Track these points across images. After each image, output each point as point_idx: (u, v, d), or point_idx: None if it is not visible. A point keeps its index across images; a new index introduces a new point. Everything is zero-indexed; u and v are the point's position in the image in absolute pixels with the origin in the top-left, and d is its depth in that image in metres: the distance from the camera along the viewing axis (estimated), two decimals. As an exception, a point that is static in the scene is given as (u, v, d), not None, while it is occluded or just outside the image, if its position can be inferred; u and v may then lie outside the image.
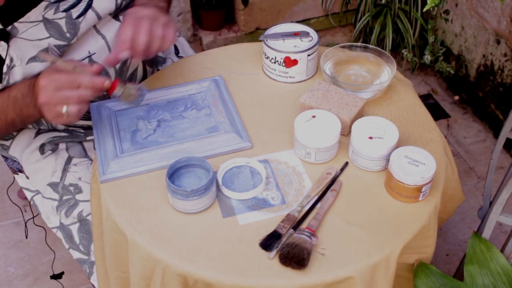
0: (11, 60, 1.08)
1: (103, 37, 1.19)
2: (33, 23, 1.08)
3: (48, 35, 1.10)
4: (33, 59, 1.10)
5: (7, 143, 1.33)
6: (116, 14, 1.20)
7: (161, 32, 1.06)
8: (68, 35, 1.11)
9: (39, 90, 0.99)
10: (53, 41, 1.10)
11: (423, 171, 0.96)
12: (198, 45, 2.47)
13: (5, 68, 1.08)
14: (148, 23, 1.05)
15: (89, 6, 1.12)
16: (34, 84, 1.03)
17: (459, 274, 1.30)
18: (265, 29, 1.27)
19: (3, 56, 1.07)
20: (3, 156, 1.37)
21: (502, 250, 1.12)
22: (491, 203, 1.23)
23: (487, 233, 1.15)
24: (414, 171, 0.96)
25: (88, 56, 1.18)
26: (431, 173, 0.96)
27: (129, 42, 1.04)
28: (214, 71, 1.27)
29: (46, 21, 1.09)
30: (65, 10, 1.10)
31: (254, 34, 2.43)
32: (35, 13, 1.08)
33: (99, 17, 1.15)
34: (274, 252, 0.91)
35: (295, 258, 0.89)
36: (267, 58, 1.23)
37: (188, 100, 1.19)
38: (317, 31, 1.25)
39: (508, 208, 1.17)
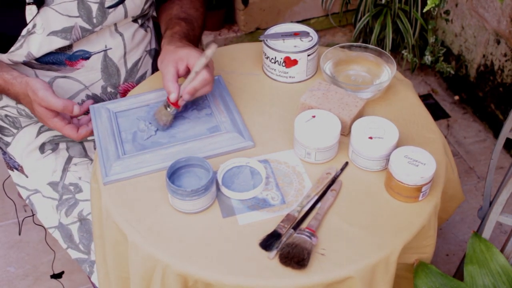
0: (34, 26, 1.09)
1: (121, 35, 1.22)
2: None
3: (78, 14, 1.12)
4: (55, 33, 1.11)
5: (8, 139, 1.33)
6: (136, 18, 1.24)
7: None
8: (95, 21, 1.14)
9: (34, 112, 1.12)
10: (80, 22, 1.13)
11: (423, 171, 0.96)
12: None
13: (24, 31, 1.09)
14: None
15: (122, 0, 1.16)
16: (23, 83, 1.11)
17: (459, 274, 1.30)
18: (265, 29, 1.27)
19: (28, 20, 1.08)
20: (1, 150, 1.37)
21: (502, 250, 1.12)
22: (491, 203, 1.23)
23: (487, 233, 1.15)
24: (414, 171, 0.96)
25: (104, 50, 1.20)
26: (431, 173, 0.96)
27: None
28: (214, 71, 1.27)
29: (80, 1, 1.11)
30: None
31: (254, 34, 2.43)
32: None
33: (126, 15, 1.19)
34: (274, 252, 0.91)
35: (295, 258, 0.89)
36: (267, 58, 1.23)
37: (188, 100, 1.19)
38: (317, 31, 1.25)
39: (508, 208, 1.16)
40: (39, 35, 1.10)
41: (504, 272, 1.05)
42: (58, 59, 1.17)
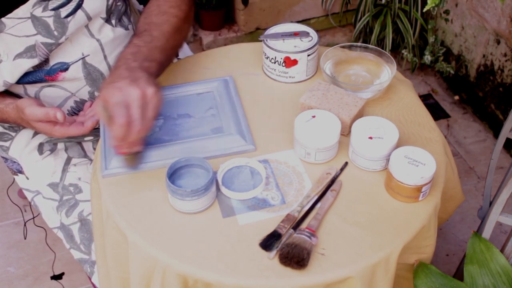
0: None
1: (97, 40, 1.19)
2: (21, 20, 1.08)
3: (35, 32, 1.10)
4: (20, 55, 1.10)
5: (6, 144, 1.33)
6: (108, 18, 1.19)
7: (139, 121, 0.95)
8: (55, 33, 1.11)
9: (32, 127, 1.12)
10: (40, 39, 1.10)
11: (423, 171, 0.96)
12: (198, 45, 2.47)
13: None
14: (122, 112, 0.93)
15: (78, 6, 1.12)
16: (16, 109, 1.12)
17: (459, 274, 1.30)
18: (265, 29, 1.27)
19: None
20: (3, 157, 1.37)
21: (502, 250, 1.12)
22: (491, 203, 1.23)
23: (487, 233, 1.15)
24: (414, 171, 0.96)
25: (82, 58, 1.17)
26: (431, 173, 0.96)
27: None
28: (214, 71, 1.27)
29: (34, 18, 1.09)
30: (54, 9, 1.10)
31: (254, 34, 2.43)
32: (23, 10, 1.08)
33: (89, 18, 1.14)
34: (274, 252, 0.91)
35: (295, 258, 0.89)
36: (267, 58, 1.23)
37: (196, 99, 1.19)
38: (317, 31, 1.25)
39: (508, 208, 1.16)
40: (6, 62, 1.10)
41: (504, 272, 1.05)
42: (37, 77, 1.16)
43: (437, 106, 2.24)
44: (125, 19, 1.25)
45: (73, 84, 1.20)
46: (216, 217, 0.98)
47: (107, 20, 1.19)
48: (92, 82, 1.21)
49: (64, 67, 1.16)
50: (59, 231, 1.27)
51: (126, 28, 1.24)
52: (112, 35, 1.20)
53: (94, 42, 1.18)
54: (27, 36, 1.09)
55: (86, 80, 1.20)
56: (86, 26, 1.16)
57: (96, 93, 1.23)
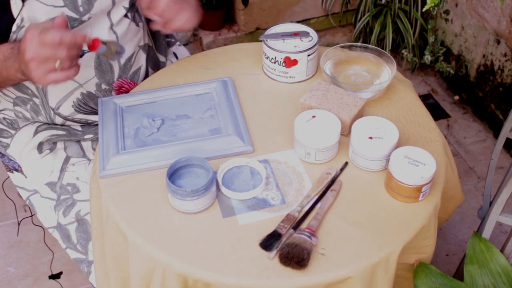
0: (22, 20, 1.09)
1: (114, 32, 1.21)
2: None
3: (63, 4, 1.11)
4: None
5: (7, 140, 1.33)
6: (129, 8, 1.21)
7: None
8: (81, 9, 1.13)
9: (25, 47, 0.96)
10: (66, 11, 1.12)
11: (423, 171, 0.96)
12: (198, 45, 2.46)
13: (14, 27, 1.09)
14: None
15: None
16: (18, 47, 1.01)
17: (459, 274, 1.30)
18: (265, 29, 1.27)
19: (15, 15, 1.08)
20: (0, 153, 1.37)
21: (502, 250, 1.12)
22: (491, 203, 1.23)
23: (487, 233, 1.15)
24: (414, 171, 0.96)
25: None
26: (431, 173, 0.96)
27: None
28: (214, 71, 1.27)
29: None
30: None
31: (254, 34, 2.43)
32: None
33: (114, 2, 1.17)
34: (274, 252, 0.91)
35: (295, 258, 0.89)
36: (267, 58, 1.23)
37: (195, 100, 1.19)
38: (317, 31, 1.25)
39: (508, 208, 1.17)
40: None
41: (504, 272, 1.05)
42: None
43: (437, 106, 2.24)
44: (137, 16, 1.28)
45: (83, 73, 1.20)
46: (216, 217, 0.98)
47: (127, 12, 1.22)
48: (101, 74, 1.22)
49: (81, 54, 1.17)
50: (55, 230, 1.28)
51: (137, 25, 1.27)
52: (126, 28, 1.22)
53: (112, 34, 1.20)
54: (55, 6, 1.11)
55: (96, 71, 1.21)
56: (108, 15, 1.18)
57: (103, 86, 1.24)
